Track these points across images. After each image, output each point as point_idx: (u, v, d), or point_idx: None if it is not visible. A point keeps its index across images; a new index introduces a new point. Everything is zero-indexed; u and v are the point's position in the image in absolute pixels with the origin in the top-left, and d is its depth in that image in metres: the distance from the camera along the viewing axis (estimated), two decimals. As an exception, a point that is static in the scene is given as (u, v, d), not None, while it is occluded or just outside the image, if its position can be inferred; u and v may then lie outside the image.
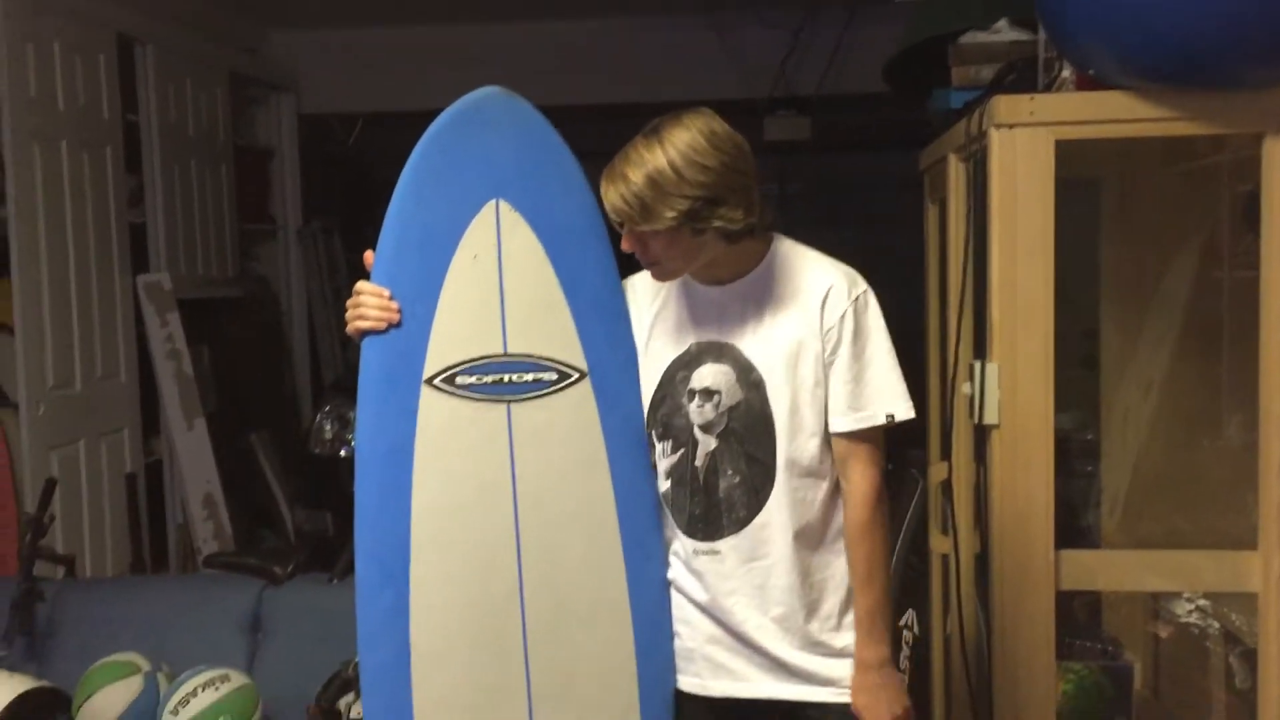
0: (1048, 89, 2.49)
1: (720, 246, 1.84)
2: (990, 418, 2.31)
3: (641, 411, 1.94)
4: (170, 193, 4.58)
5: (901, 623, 3.54)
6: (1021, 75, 2.60)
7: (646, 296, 1.97)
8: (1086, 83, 2.36)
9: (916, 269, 3.37)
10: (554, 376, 1.88)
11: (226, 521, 4.46)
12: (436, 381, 1.85)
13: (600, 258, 1.92)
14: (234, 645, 2.99)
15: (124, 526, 4.11)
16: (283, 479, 4.81)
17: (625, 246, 1.86)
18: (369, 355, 1.88)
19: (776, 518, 1.87)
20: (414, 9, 5.28)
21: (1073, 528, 3.01)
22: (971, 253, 2.52)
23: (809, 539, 1.89)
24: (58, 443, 3.80)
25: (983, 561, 2.44)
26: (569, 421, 1.90)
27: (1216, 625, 2.59)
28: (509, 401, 1.87)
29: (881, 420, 1.86)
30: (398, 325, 1.84)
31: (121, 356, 4.18)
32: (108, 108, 4.13)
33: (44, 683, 2.83)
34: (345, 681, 2.77)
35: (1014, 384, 2.30)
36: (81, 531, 3.86)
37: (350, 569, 3.17)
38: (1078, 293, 3.18)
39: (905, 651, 3.54)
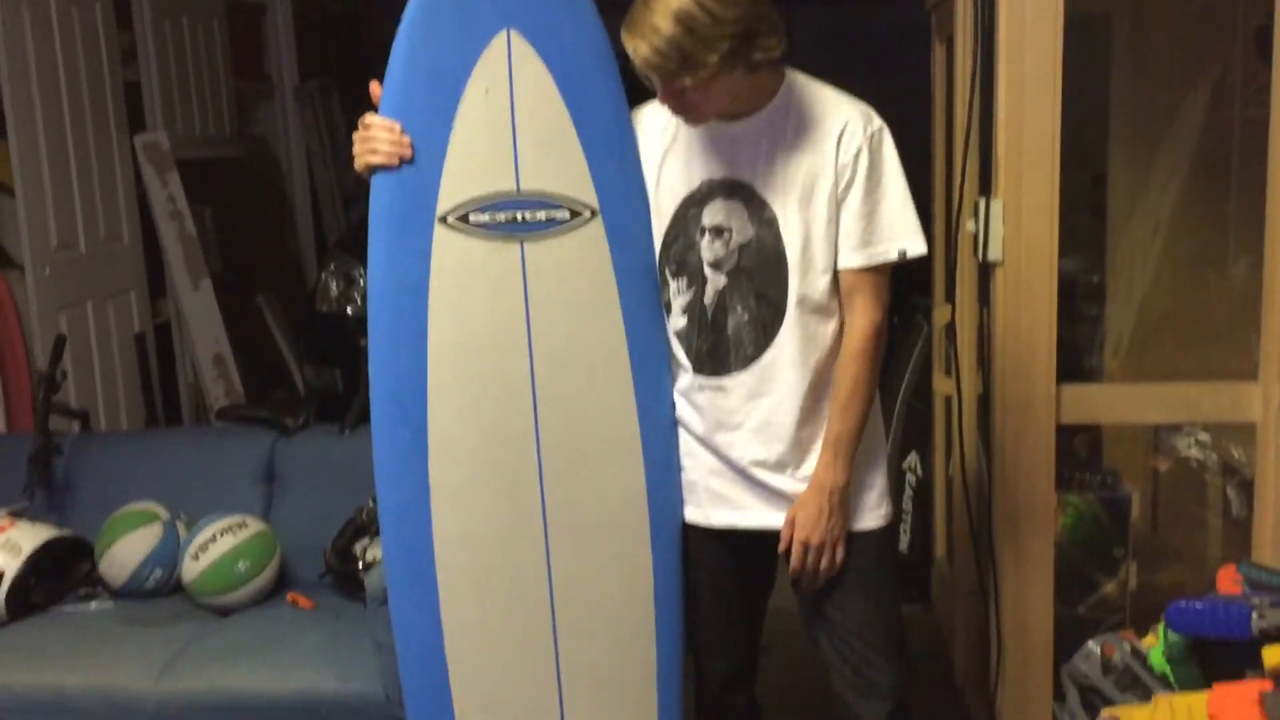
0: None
1: (744, 80, 1.79)
2: (994, 255, 2.30)
3: (652, 251, 1.93)
4: (163, 49, 4.50)
5: (905, 465, 3.60)
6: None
7: (656, 130, 1.93)
8: (1098, -90, 2.29)
9: (923, 115, 3.31)
10: (566, 215, 1.87)
11: (237, 380, 4.50)
12: (450, 219, 1.83)
13: (611, 92, 1.88)
14: (249, 495, 3.05)
15: (135, 385, 4.15)
16: (291, 339, 4.84)
17: (661, 100, 1.80)
18: (379, 192, 1.84)
19: (784, 356, 1.87)
20: None
21: (1076, 369, 3.03)
22: (978, 90, 2.48)
23: (816, 378, 1.89)
24: (65, 303, 3.82)
25: (985, 402, 2.47)
26: (581, 260, 1.89)
27: (1215, 457, 2.62)
28: (522, 240, 1.86)
29: (893, 256, 1.85)
30: (409, 161, 1.81)
31: (124, 218, 4.17)
32: (94, -38, 4.03)
33: (66, 532, 2.90)
34: (359, 527, 2.83)
35: (1018, 220, 2.29)
36: (94, 390, 3.91)
37: (361, 420, 3.22)
38: (1086, 138, 3.15)
39: (908, 493, 3.61)
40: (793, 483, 1.91)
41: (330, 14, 6.02)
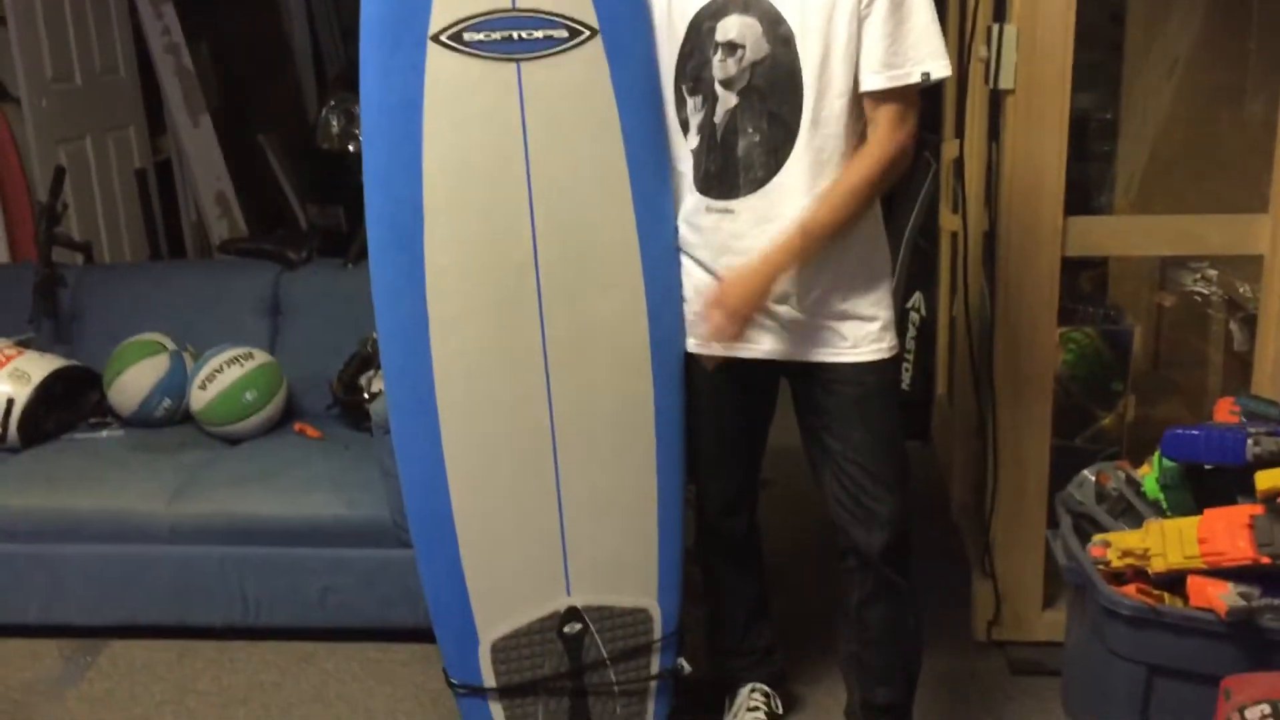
0: None
1: None
2: (1005, 82, 2.25)
3: (655, 70, 1.88)
4: (154, -127, 4.34)
5: (909, 304, 3.60)
6: None
7: None
8: None
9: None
10: (564, 34, 1.81)
11: (240, 218, 4.48)
12: (443, 38, 1.77)
13: None
14: (254, 328, 3.07)
15: (138, 221, 4.14)
16: (293, 178, 4.80)
17: None
18: (369, 9, 1.78)
19: (794, 181, 1.81)
20: None
21: (1086, 208, 3.00)
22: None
23: None
24: (63, 137, 3.77)
25: (991, 238, 2.44)
26: (580, 81, 1.83)
27: (1220, 292, 2.61)
28: (519, 60, 1.80)
29: (916, 79, 1.76)
30: None
31: (119, 51, 4.09)
32: None
33: (74, 362, 2.93)
34: (365, 359, 2.85)
35: (1032, 47, 2.22)
36: (96, 224, 3.90)
37: (365, 254, 3.21)
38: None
39: (911, 332, 3.62)
40: (795, 314, 1.88)
41: None
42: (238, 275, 3.19)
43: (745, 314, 1.84)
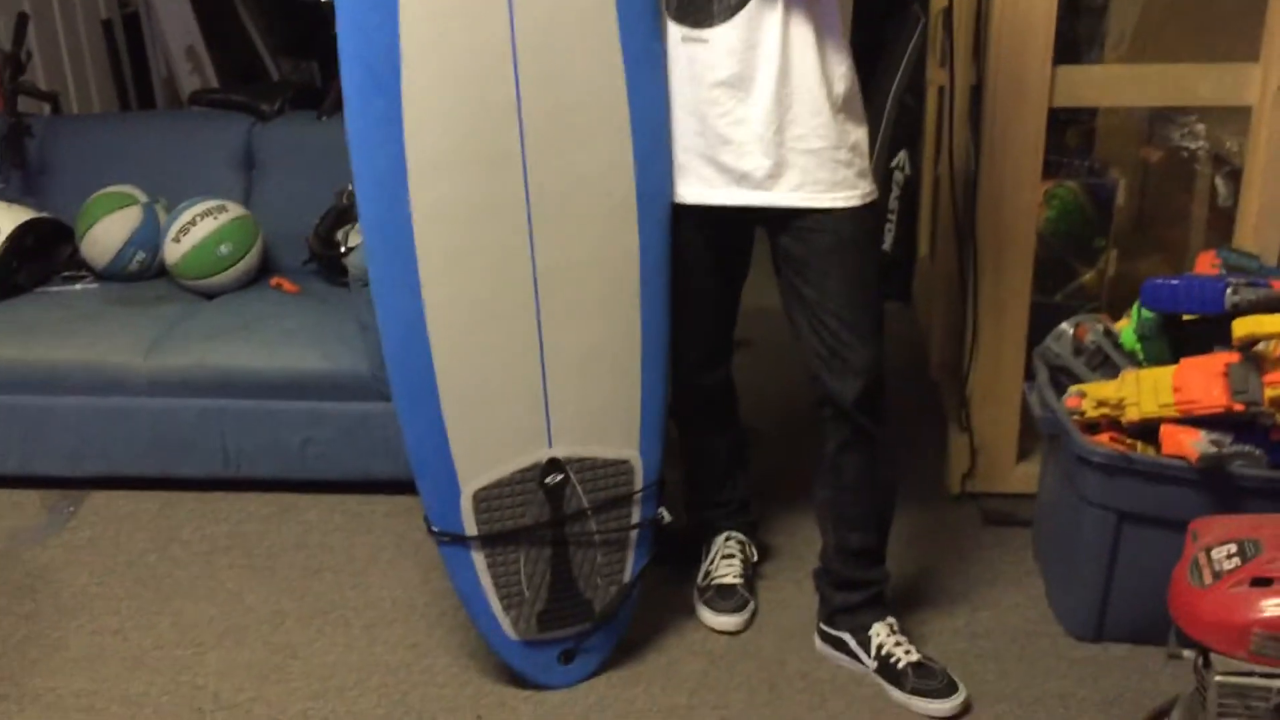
0: None
1: None
2: (998, -73, 2.18)
3: None
4: None
5: (893, 164, 3.56)
6: None
7: None
8: None
9: None
10: None
11: (212, 75, 4.37)
12: None
13: None
14: (228, 181, 3.02)
15: (106, 73, 4.03)
16: (266, 32, 4.66)
17: None
18: None
19: (761, 12, 1.76)
20: None
21: (1076, 60, 2.94)
22: None
23: (804, 30, 1.78)
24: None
25: (978, 92, 2.40)
26: None
27: (1207, 147, 2.58)
28: None
29: None
30: None
31: (82, -106, 3.93)
32: None
33: (45, 214, 2.88)
34: (340, 212, 2.81)
35: (1025, -112, 2.15)
36: (63, 74, 3.79)
37: (339, 106, 3.14)
38: None
39: (895, 192, 3.59)
40: (768, 159, 1.84)
41: None
42: (209, 127, 3.12)
43: None
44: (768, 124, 1.83)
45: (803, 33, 1.80)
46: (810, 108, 1.83)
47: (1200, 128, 2.58)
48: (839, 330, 1.91)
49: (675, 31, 1.84)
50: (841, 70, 1.84)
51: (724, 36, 1.80)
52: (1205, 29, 2.72)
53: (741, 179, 1.88)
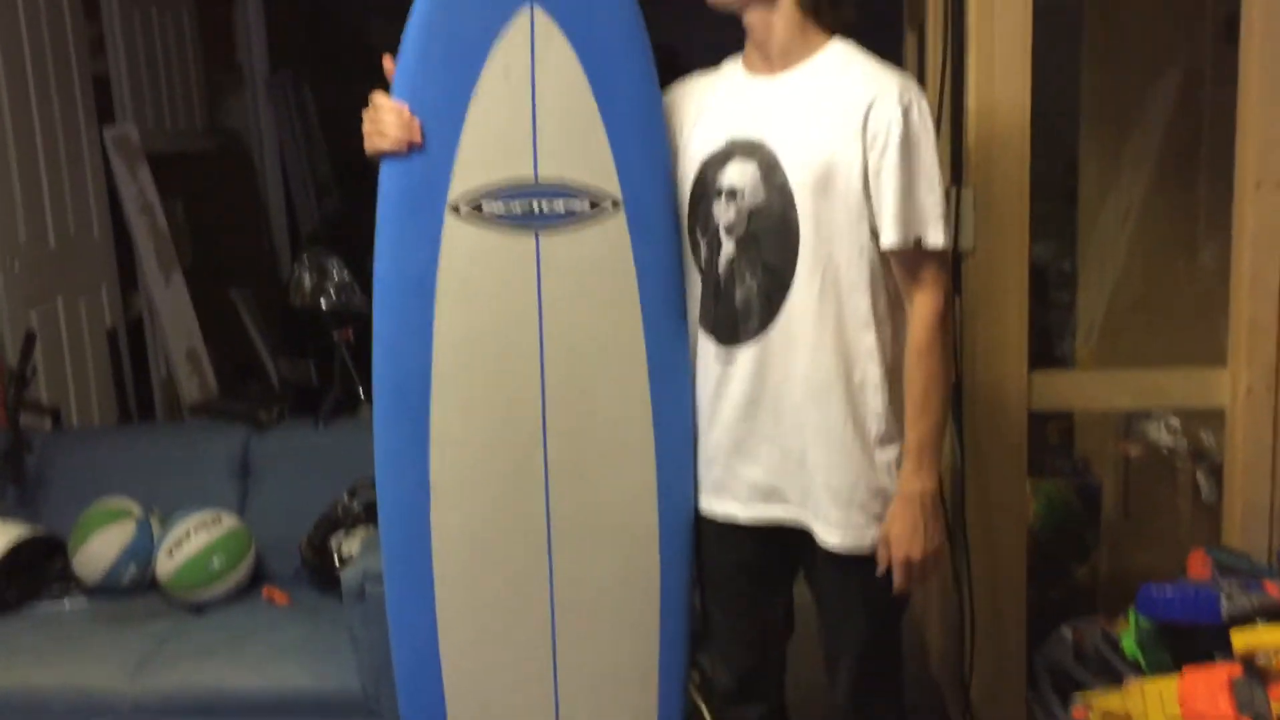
0: (1028, -95, 2.42)
1: (790, 11, 1.77)
2: (965, 243, 2.30)
3: (676, 242, 1.86)
4: (131, 40, 4.46)
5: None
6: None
7: (694, 93, 1.90)
8: (1066, -104, 2.29)
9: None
10: (586, 206, 1.79)
11: (211, 375, 4.48)
12: (462, 208, 1.76)
13: (641, 73, 1.80)
14: (224, 490, 3.04)
15: (108, 382, 4.12)
16: (265, 332, 4.81)
17: None
18: (388, 177, 1.77)
19: (791, 332, 1.79)
20: None
21: (1048, 356, 3.05)
22: (949, 79, 2.49)
23: (820, 360, 1.79)
24: (36, 300, 3.77)
25: (956, 386, 2.48)
26: (600, 253, 1.81)
27: (1185, 443, 2.64)
28: (538, 231, 1.78)
29: (910, 243, 1.74)
30: (419, 146, 1.73)
31: (94, 212, 4.13)
32: (61, -48, 3.98)
33: (38, 530, 2.88)
34: (334, 521, 2.83)
35: (989, 208, 2.29)
36: (66, 387, 3.87)
37: (335, 413, 3.22)
38: (1057, 124, 3.16)
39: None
40: (788, 480, 1.83)
41: (301, 1, 5.98)
42: (207, 437, 3.17)
43: (926, 553, 1.79)
44: (789, 445, 1.83)
45: (828, 361, 1.80)
46: (832, 442, 1.81)
47: (1175, 422, 2.66)
48: (850, 683, 1.90)
49: (706, 346, 1.87)
50: (877, 406, 1.82)
51: (749, 358, 1.83)
52: (1170, 325, 2.85)
53: (769, 494, 1.86)
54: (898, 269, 1.79)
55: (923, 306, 1.78)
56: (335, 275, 4.26)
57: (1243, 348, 2.25)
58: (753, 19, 1.82)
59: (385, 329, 1.82)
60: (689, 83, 1.93)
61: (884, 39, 3.40)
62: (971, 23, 2.27)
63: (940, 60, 2.53)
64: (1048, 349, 3.09)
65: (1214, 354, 2.35)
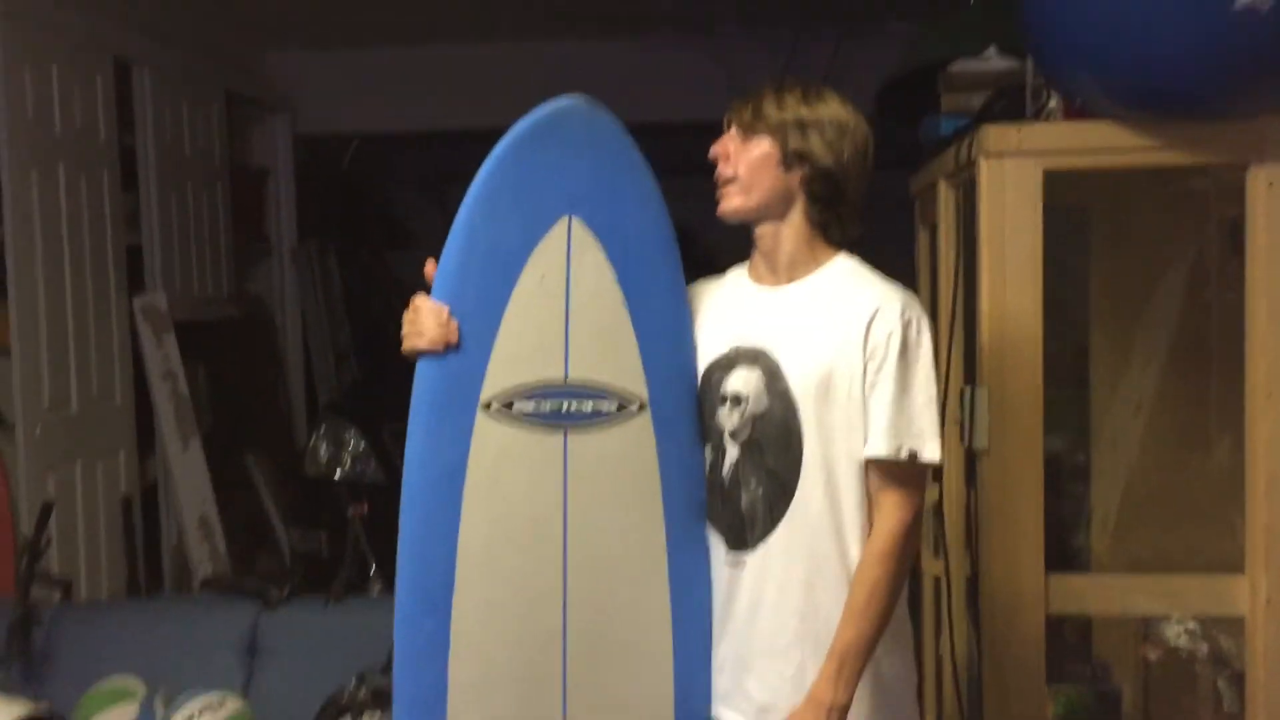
0: (1036, 116, 2.53)
1: (799, 225, 1.84)
2: (980, 443, 2.33)
3: (699, 442, 1.90)
4: (166, 213, 4.59)
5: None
6: (1011, 102, 2.63)
7: (703, 299, 1.95)
8: (1074, 112, 2.39)
9: (906, 283, 3.37)
10: (614, 406, 1.83)
11: (221, 543, 4.46)
12: (493, 407, 1.80)
13: (671, 283, 1.88)
14: (230, 668, 2.99)
15: (119, 549, 4.11)
16: (278, 500, 4.82)
17: (712, 152, 1.85)
18: (424, 375, 1.81)
19: (792, 539, 1.81)
20: (411, 30, 5.31)
21: (1063, 549, 3.02)
22: (962, 279, 2.55)
23: (824, 569, 1.81)
24: (54, 464, 3.81)
25: (973, 584, 2.46)
26: (625, 452, 1.85)
27: (1205, 648, 2.61)
28: (566, 430, 1.82)
29: (904, 456, 1.77)
30: (455, 347, 1.78)
31: (117, 378, 4.19)
32: (104, 130, 4.14)
33: (41, 706, 2.84)
34: (341, 706, 2.78)
35: (1003, 410, 2.32)
36: (77, 554, 3.87)
37: (346, 592, 3.20)
38: (1068, 312, 3.21)
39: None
40: (787, 699, 1.80)
41: (329, 175, 6.19)
42: (215, 614, 3.14)
43: None
44: (789, 659, 1.82)
45: (826, 572, 1.81)
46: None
47: (1194, 626, 2.63)
48: None
49: (718, 551, 1.88)
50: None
51: (756, 564, 1.84)
52: (1186, 522, 2.84)
53: (766, 711, 1.84)
54: (877, 476, 1.80)
55: (892, 515, 1.79)
56: (352, 445, 4.32)
57: (1260, 554, 2.25)
58: (763, 230, 1.88)
59: (411, 526, 1.83)
60: (696, 288, 1.98)
61: (896, 225, 3.51)
62: (984, 226, 2.34)
63: (954, 261, 2.61)
64: (1063, 542, 3.07)
65: (1231, 550, 2.34)
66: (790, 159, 1.81)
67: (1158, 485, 2.99)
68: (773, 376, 1.82)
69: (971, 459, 2.44)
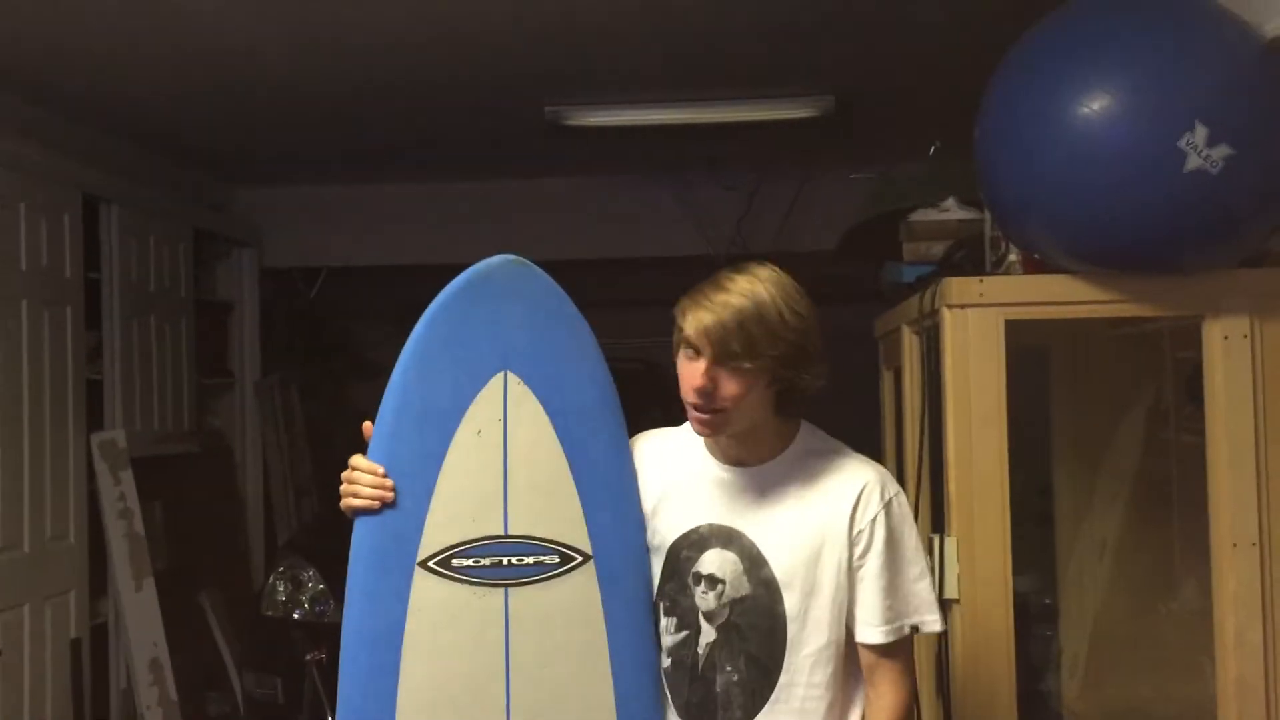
0: (996, 267, 2.59)
1: (771, 417, 1.79)
2: (950, 592, 2.32)
3: (647, 593, 1.86)
4: (129, 349, 4.56)
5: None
6: (971, 252, 2.70)
7: (656, 459, 1.90)
8: (1033, 264, 2.45)
9: (870, 422, 3.38)
10: (556, 559, 1.80)
11: (172, 687, 4.33)
12: (431, 564, 1.78)
13: (611, 434, 1.86)
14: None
15: (66, 694, 3.97)
16: (232, 640, 4.69)
17: (697, 383, 1.72)
18: (361, 534, 1.80)
19: None
20: (375, 169, 5.39)
21: (1034, 692, 3.00)
22: (927, 429, 2.57)
23: None
24: (2, 607, 3.70)
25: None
26: (569, 606, 1.82)
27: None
28: (507, 585, 1.79)
29: (906, 631, 1.79)
30: (392, 505, 1.77)
31: (71, 516, 4.10)
32: (70, 267, 4.13)
33: None
34: None
35: (972, 558, 2.32)
36: (21, 699, 3.73)
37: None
38: (1030, 449, 3.24)
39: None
40: None
41: (295, 308, 6.20)
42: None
43: None
44: None
45: None
46: None
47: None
48: None
49: None
50: None
51: None
52: (1156, 663, 2.82)
53: None
54: (873, 654, 1.80)
55: (894, 690, 1.79)
56: (310, 585, 4.22)
57: (1233, 707, 2.24)
58: (737, 433, 1.83)
59: (350, 686, 1.79)
60: (647, 441, 1.94)
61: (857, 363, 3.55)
62: (948, 373, 2.37)
63: (918, 408, 2.63)
64: (1033, 684, 3.05)
65: (1202, 697, 2.32)
66: (778, 381, 1.76)
67: (1126, 628, 2.98)
68: (753, 562, 1.79)
69: (941, 608, 2.42)
